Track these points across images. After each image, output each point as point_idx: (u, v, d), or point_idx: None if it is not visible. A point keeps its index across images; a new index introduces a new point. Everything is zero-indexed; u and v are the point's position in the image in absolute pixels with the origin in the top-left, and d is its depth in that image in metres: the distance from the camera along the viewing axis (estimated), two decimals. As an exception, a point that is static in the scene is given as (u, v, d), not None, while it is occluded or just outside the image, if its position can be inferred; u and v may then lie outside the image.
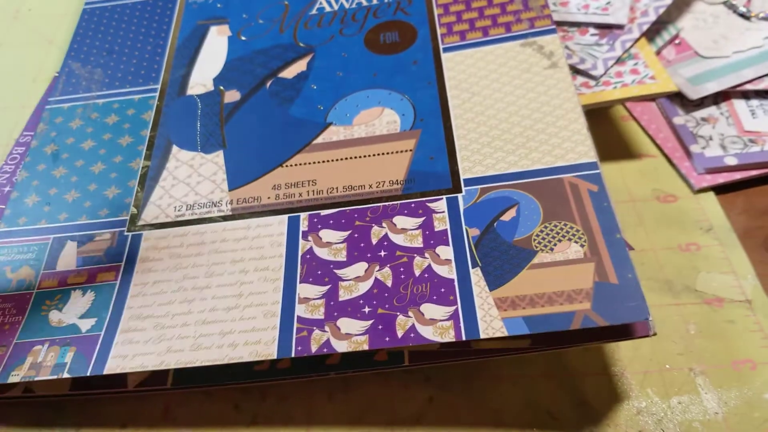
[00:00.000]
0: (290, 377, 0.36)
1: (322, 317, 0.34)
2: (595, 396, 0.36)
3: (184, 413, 0.37)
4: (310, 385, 0.37)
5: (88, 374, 0.34)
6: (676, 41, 0.50)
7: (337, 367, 0.36)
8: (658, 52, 0.49)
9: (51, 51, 0.57)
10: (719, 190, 0.44)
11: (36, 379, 0.34)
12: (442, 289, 0.35)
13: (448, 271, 0.35)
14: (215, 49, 0.49)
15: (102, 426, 0.37)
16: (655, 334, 0.33)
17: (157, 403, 0.37)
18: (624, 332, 0.33)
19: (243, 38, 0.49)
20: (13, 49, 0.58)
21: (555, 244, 0.36)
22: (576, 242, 0.35)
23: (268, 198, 0.40)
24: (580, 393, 0.36)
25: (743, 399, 0.36)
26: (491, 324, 0.33)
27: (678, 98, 0.48)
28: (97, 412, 0.37)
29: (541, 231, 0.36)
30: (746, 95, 0.48)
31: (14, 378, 0.35)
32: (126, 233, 0.40)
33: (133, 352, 0.35)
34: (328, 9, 0.50)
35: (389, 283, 0.35)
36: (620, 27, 0.48)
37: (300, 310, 0.35)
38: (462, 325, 0.33)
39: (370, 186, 0.40)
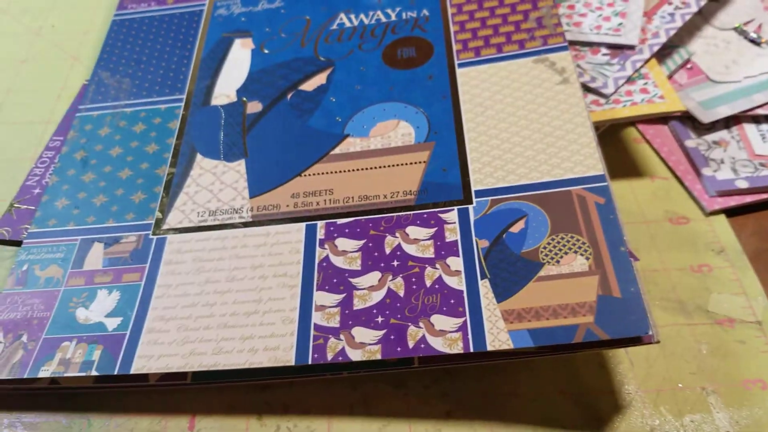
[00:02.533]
0: (304, 375, 0.38)
1: (338, 325, 0.36)
2: (610, 414, 0.38)
3: (209, 425, 0.38)
4: (332, 399, 0.38)
5: (116, 373, 0.36)
6: (688, 66, 0.52)
7: (349, 366, 0.37)
8: (670, 76, 0.50)
9: (75, 67, 0.58)
10: (730, 212, 0.46)
11: (65, 375, 0.36)
12: (452, 301, 0.36)
13: (458, 283, 0.37)
14: (239, 61, 0.51)
15: None
16: (658, 342, 0.34)
17: (182, 416, 0.38)
18: (629, 339, 0.35)
19: (266, 51, 0.51)
20: (37, 66, 0.59)
21: (561, 257, 0.37)
22: (581, 255, 0.37)
23: (287, 206, 0.42)
24: (595, 410, 0.38)
25: (754, 418, 0.37)
26: (498, 336, 0.34)
27: (690, 121, 0.49)
28: (121, 405, 0.39)
29: (549, 243, 0.38)
30: (757, 120, 0.49)
31: (44, 373, 0.37)
32: (151, 236, 0.42)
33: (158, 353, 0.37)
34: (348, 24, 0.52)
35: (401, 293, 0.37)
36: (631, 48, 0.49)
37: (317, 318, 0.36)
38: (470, 337, 0.35)
39: (385, 196, 0.41)
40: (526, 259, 0.37)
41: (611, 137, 0.50)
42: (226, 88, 0.49)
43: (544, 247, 0.37)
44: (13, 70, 0.58)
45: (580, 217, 0.38)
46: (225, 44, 0.52)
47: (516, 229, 0.39)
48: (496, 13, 0.50)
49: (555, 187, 0.40)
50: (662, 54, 0.51)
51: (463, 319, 0.35)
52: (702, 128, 0.50)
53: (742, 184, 0.46)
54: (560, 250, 0.37)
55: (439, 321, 0.35)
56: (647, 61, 0.49)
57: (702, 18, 0.55)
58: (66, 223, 0.43)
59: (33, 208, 0.45)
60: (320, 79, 0.49)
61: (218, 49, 0.52)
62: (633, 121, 0.50)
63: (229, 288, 0.39)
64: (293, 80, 0.49)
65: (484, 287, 0.36)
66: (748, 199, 0.46)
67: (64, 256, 0.41)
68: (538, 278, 0.36)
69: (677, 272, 0.42)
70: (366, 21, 0.52)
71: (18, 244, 0.43)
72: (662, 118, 0.50)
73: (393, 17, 0.52)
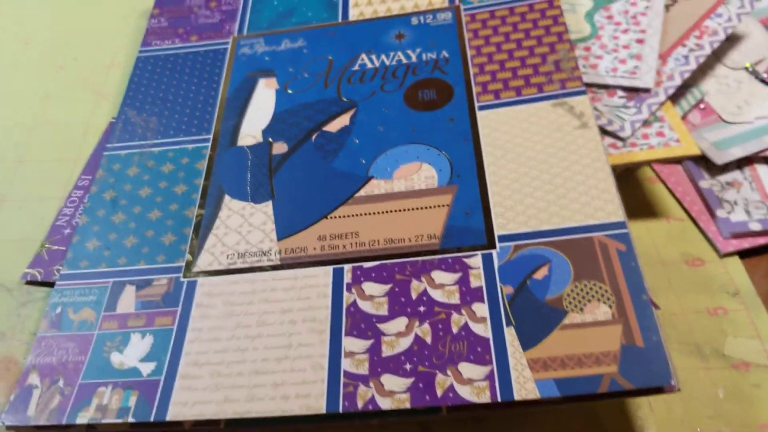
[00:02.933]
0: (334, 422, 0.39)
1: (367, 372, 0.37)
2: (630, 456, 0.39)
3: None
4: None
5: (152, 420, 0.37)
6: (701, 105, 0.53)
7: (379, 414, 0.38)
8: (683, 117, 0.52)
9: (100, 103, 0.59)
10: (744, 253, 0.47)
11: (102, 422, 0.37)
12: (479, 348, 0.37)
13: (484, 330, 0.38)
14: (264, 101, 0.52)
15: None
16: (679, 390, 0.35)
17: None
18: (651, 388, 0.36)
19: (289, 91, 0.52)
20: (60, 101, 0.60)
21: (585, 305, 0.38)
22: (605, 303, 0.38)
23: (314, 249, 0.43)
24: (616, 453, 0.39)
25: (768, 461, 0.38)
26: (524, 385, 0.35)
27: (703, 161, 0.51)
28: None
29: (572, 290, 0.39)
30: (769, 161, 0.51)
31: (81, 419, 0.38)
32: (182, 279, 0.43)
33: (192, 400, 0.38)
34: (369, 65, 0.53)
35: (428, 340, 0.38)
36: (647, 90, 0.50)
37: (346, 364, 0.37)
38: (497, 385, 0.36)
39: (409, 239, 0.43)
40: (551, 306, 0.38)
41: (626, 176, 0.51)
42: (252, 129, 0.50)
43: (568, 294, 0.38)
44: (38, 106, 0.59)
45: (602, 264, 0.39)
46: (250, 84, 0.54)
47: (540, 275, 0.40)
48: (515, 56, 0.51)
49: (576, 233, 0.41)
50: (676, 94, 0.53)
51: (489, 367, 0.36)
52: (715, 169, 0.51)
53: (756, 227, 0.47)
54: (584, 297, 0.38)
55: (467, 369, 0.36)
56: (663, 103, 0.50)
57: (714, 57, 0.56)
58: (98, 264, 0.44)
59: (64, 248, 0.46)
60: (344, 120, 0.50)
61: (243, 89, 0.53)
62: (648, 161, 0.51)
63: (259, 333, 0.40)
64: (317, 121, 0.50)
65: (510, 335, 0.37)
66: (762, 240, 0.47)
67: (97, 298, 0.42)
68: (562, 326, 0.37)
69: (694, 315, 0.43)
70: (387, 62, 0.53)
71: (50, 285, 0.44)
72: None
73: (413, 59, 0.53)
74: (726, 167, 0.50)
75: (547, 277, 0.39)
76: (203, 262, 0.43)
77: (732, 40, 0.57)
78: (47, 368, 0.40)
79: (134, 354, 0.39)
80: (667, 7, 0.57)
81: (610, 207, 0.41)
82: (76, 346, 0.40)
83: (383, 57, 0.53)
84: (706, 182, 0.49)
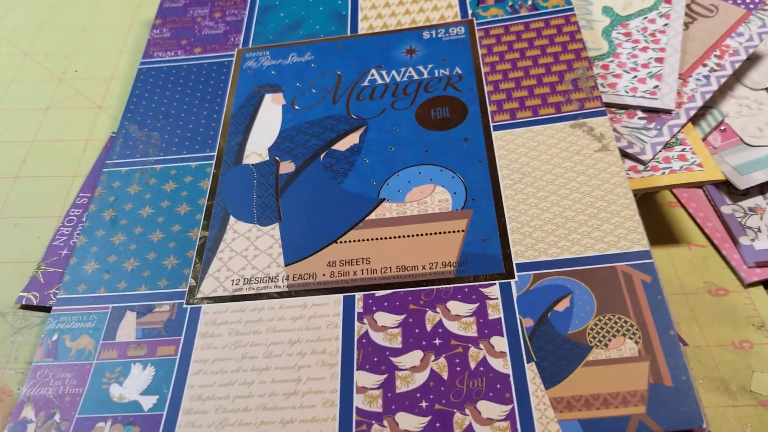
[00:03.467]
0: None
1: (381, 410, 0.35)
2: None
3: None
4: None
5: (154, 459, 0.35)
6: (722, 127, 0.51)
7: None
8: (704, 138, 0.50)
9: (101, 116, 0.58)
10: (769, 283, 0.45)
11: (101, 460, 0.35)
12: (498, 385, 0.35)
13: (504, 366, 0.36)
14: (270, 118, 0.50)
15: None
16: (708, 431, 0.33)
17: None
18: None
19: (297, 107, 0.51)
20: (60, 115, 0.58)
21: (609, 340, 0.36)
22: (630, 338, 0.36)
23: (324, 275, 0.41)
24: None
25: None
26: (548, 427, 0.33)
27: (725, 185, 0.49)
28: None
29: (596, 324, 0.37)
30: (792, 185, 0.49)
31: (79, 456, 0.35)
32: (185, 306, 0.41)
33: (196, 438, 0.36)
34: (379, 81, 0.51)
35: (445, 376, 0.36)
36: (668, 112, 0.49)
37: (358, 401, 0.36)
38: (518, 426, 0.34)
39: (423, 267, 0.41)
40: (574, 341, 0.36)
41: (646, 200, 0.49)
42: (257, 146, 0.48)
43: (591, 329, 0.37)
44: (38, 119, 0.57)
45: (627, 296, 0.37)
46: (255, 99, 0.52)
47: (561, 307, 0.38)
48: (531, 74, 0.49)
49: (599, 262, 0.39)
50: (696, 115, 0.51)
51: (510, 406, 0.34)
52: (737, 193, 0.49)
53: (781, 255, 0.45)
54: (608, 332, 0.36)
55: (486, 408, 0.35)
56: (684, 125, 0.49)
57: (733, 77, 0.55)
58: (96, 288, 0.42)
59: (61, 270, 0.44)
60: (353, 138, 0.48)
61: (249, 104, 0.51)
62: (668, 185, 0.50)
63: (267, 365, 0.38)
64: (325, 139, 0.48)
65: (531, 371, 0.35)
66: (787, 269, 0.45)
67: (96, 325, 0.40)
68: (586, 363, 0.35)
69: (719, 349, 0.42)
70: (398, 78, 0.51)
71: (46, 309, 0.42)
72: (697, 182, 0.49)
73: (425, 75, 0.51)
74: (748, 192, 0.49)
75: (569, 310, 0.38)
76: (207, 287, 0.41)
77: (752, 60, 0.56)
78: (43, 401, 0.38)
79: (135, 386, 0.37)
80: (686, 25, 0.55)
81: (633, 235, 0.40)
82: (74, 377, 0.38)
83: (393, 73, 0.51)
84: (728, 207, 0.48)
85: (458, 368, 0.36)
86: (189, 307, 0.41)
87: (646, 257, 0.38)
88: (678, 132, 0.48)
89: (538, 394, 0.34)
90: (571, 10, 0.52)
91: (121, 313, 0.41)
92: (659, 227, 0.48)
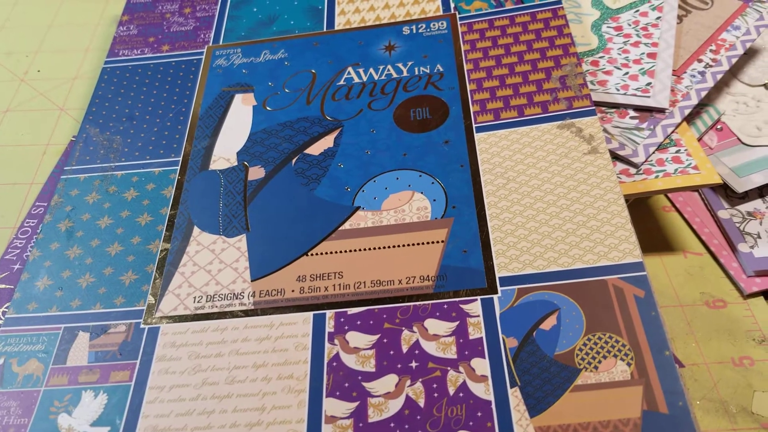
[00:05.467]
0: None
1: (351, 443, 0.32)
2: None
3: None
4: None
5: (100, 502, 0.32)
6: (718, 127, 0.48)
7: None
8: (699, 138, 0.47)
9: (63, 119, 0.54)
10: (770, 293, 0.42)
11: (43, 501, 0.32)
12: (479, 413, 0.32)
13: (485, 391, 0.33)
14: (240, 120, 0.47)
15: None
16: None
17: None
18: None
19: (268, 108, 0.47)
20: (21, 117, 0.55)
21: (599, 361, 0.33)
22: (622, 360, 0.33)
23: (293, 291, 0.38)
24: None
25: None
26: (534, 461, 0.31)
27: (722, 188, 0.46)
28: None
29: (585, 344, 0.34)
30: (793, 187, 0.46)
31: (19, 497, 0.32)
32: (142, 326, 0.38)
33: (147, 477, 0.33)
34: (356, 80, 0.48)
35: (421, 403, 0.33)
36: (662, 110, 0.46)
37: (327, 432, 0.33)
38: (502, 461, 0.31)
39: (400, 281, 0.38)
40: (561, 363, 0.33)
41: (638, 205, 0.46)
42: (225, 151, 0.45)
43: (580, 349, 0.34)
44: (-5, 121, 0.54)
45: (618, 313, 0.35)
46: (225, 100, 0.49)
47: (547, 325, 0.35)
48: (516, 71, 0.46)
49: (588, 275, 0.36)
50: (690, 113, 0.48)
51: (492, 436, 0.31)
52: (735, 196, 0.46)
53: (782, 263, 0.42)
54: (598, 353, 0.34)
55: (466, 439, 0.32)
56: (678, 125, 0.46)
57: (730, 73, 0.52)
58: (48, 307, 0.39)
59: (12, 287, 0.41)
60: (327, 141, 0.45)
61: (217, 105, 0.48)
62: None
63: (228, 392, 0.35)
64: (298, 143, 0.45)
65: (515, 397, 0.33)
66: (789, 279, 0.42)
67: (46, 348, 0.37)
68: (574, 387, 0.33)
69: (717, 366, 0.39)
70: (376, 76, 0.48)
71: (-6, 330, 0.39)
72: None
73: (405, 72, 0.48)
74: (746, 195, 0.46)
75: (556, 328, 0.35)
76: (167, 305, 0.38)
77: (750, 55, 0.53)
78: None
79: (85, 416, 0.34)
80: (680, 18, 0.52)
81: (625, 246, 0.37)
82: (19, 406, 0.35)
83: (371, 71, 0.48)
84: (725, 212, 0.45)
85: (436, 394, 0.33)
86: (147, 327, 0.38)
87: (639, 269, 0.36)
88: (672, 132, 0.45)
89: (522, 423, 0.32)
90: (559, 2, 0.49)
91: (74, 334, 0.38)
92: (652, 234, 0.45)
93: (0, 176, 0.50)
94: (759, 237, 0.44)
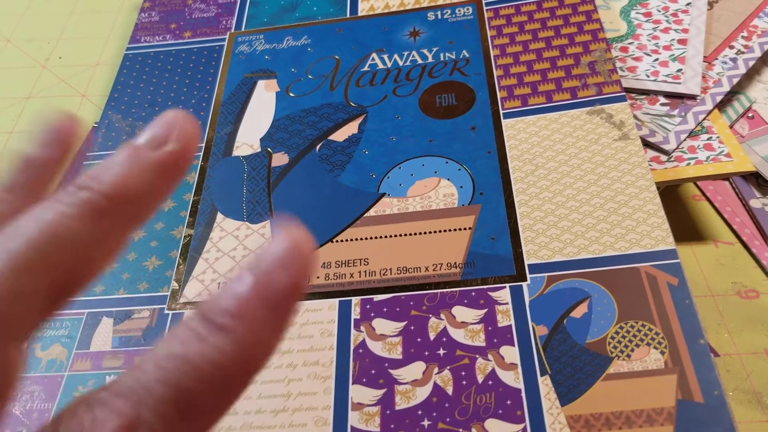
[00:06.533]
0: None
1: (378, 429, 0.32)
2: None
3: None
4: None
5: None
6: (749, 114, 0.47)
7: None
8: (730, 126, 0.46)
9: (85, 105, 0.54)
10: (803, 283, 0.41)
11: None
12: (508, 401, 0.32)
13: (514, 379, 0.32)
14: (263, 106, 0.47)
15: None
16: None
17: None
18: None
19: (291, 95, 0.47)
20: (43, 103, 0.55)
21: (632, 350, 0.33)
22: (656, 348, 0.32)
23: (318, 278, 0.38)
24: None
25: None
26: (566, 450, 0.30)
27: (753, 177, 0.45)
28: None
29: (617, 333, 0.33)
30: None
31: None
32: (166, 311, 0.37)
33: (173, 462, 0.32)
34: (381, 66, 0.47)
35: (450, 391, 0.32)
36: (693, 97, 0.45)
37: (353, 419, 0.32)
38: (533, 449, 0.30)
39: (426, 269, 0.37)
40: (592, 351, 0.33)
41: (668, 194, 0.45)
42: (248, 137, 0.45)
43: (612, 337, 0.33)
44: (17, 108, 0.54)
45: (651, 301, 0.34)
46: (247, 86, 0.48)
47: (578, 313, 0.34)
48: (544, 57, 0.46)
49: (620, 263, 0.35)
50: (721, 101, 0.47)
51: (522, 425, 0.31)
52: (767, 185, 0.45)
53: (817, 253, 0.41)
54: (630, 341, 0.33)
55: (495, 427, 0.31)
56: (710, 112, 0.45)
57: (761, 61, 0.51)
58: (72, 292, 0.39)
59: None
60: (351, 128, 0.44)
61: (240, 92, 0.48)
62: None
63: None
64: (322, 129, 0.45)
65: (545, 385, 0.32)
66: (823, 268, 0.41)
67: (69, 333, 0.37)
68: (606, 376, 0.32)
69: (750, 357, 0.38)
70: (400, 62, 0.47)
71: (18, 315, 0.39)
72: (723, 173, 0.46)
73: (430, 58, 0.47)
74: (779, 184, 0.45)
75: (587, 316, 0.34)
76: (191, 291, 0.38)
77: (782, 41, 0.51)
78: (9, 417, 0.34)
79: (109, 401, 0.34)
80: (710, 4, 0.51)
81: (657, 233, 0.36)
82: (43, 391, 0.35)
83: (396, 57, 0.48)
84: (757, 201, 0.44)
85: (464, 382, 0.32)
86: (170, 312, 0.37)
87: (672, 257, 0.35)
88: (704, 119, 0.44)
89: (552, 411, 0.31)
90: (587, -13, 0.48)
91: (97, 319, 0.37)
92: (683, 223, 0.44)
93: (23, 162, 0.49)
94: (793, 226, 0.43)
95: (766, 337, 0.39)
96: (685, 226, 0.44)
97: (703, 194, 0.46)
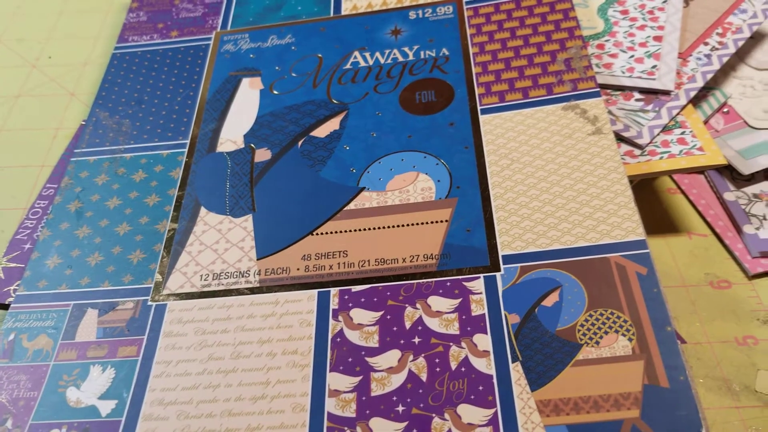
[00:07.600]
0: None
1: (354, 415, 0.33)
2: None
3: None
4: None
5: (107, 470, 0.33)
6: (725, 110, 0.48)
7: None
8: (705, 121, 0.47)
9: (73, 104, 0.55)
10: (775, 275, 0.42)
11: (52, 470, 0.33)
12: (480, 387, 0.33)
13: (487, 366, 0.33)
14: (247, 103, 0.48)
15: None
16: (707, 434, 0.30)
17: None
18: None
19: (275, 92, 0.48)
20: (31, 102, 0.56)
21: (601, 337, 0.34)
22: (624, 335, 0.33)
23: (297, 269, 0.39)
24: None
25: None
26: (533, 432, 0.31)
27: (728, 171, 0.46)
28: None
29: (586, 320, 0.34)
30: (800, 169, 0.46)
31: (29, 466, 0.33)
32: (150, 303, 0.38)
33: (154, 447, 0.33)
34: (362, 64, 0.48)
35: (424, 377, 0.33)
36: (667, 93, 0.46)
37: (330, 405, 0.33)
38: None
39: (404, 260, 0.38)
40: (562, 338, 0.34)
41: (643, 186, 0.46)
42: (232, 133, 0.46)
43: (582, 325, 0.34)
44: (7, 106, 0.55)
45: (620, 289, 0.35)
46: (232, 84, 0.49)
47: (549, 302, 0.35)
48: (521, 54, 0.47)
49: (591, 253, 0.36)
50: (696, 97, 0.48)
51: (493, 410, 0.32)
52: (741, 179, 0.46)
53: (788, 244, 0.42)
54: (599, 328, 0.34)
55: (467, 412, 0.32)
56: (684, 107, 0.46)
57: (736, 57, 0.52)
58: (58, 285, 0.40)
59: (23, 266, 0.42)
60: (333, 124, 0.45)
61: (225, 89, 0.49)
62: (667, 171, 0.47)
63: (234, 367, 0.35)
64: (304, 125, 0.46)
65: (516, 372, 0.33)
66: (794, 260, 0.42)
67: (55, 324, 0.38)
68: (576, 362, 0.33)
69: (720, 345, 0.39)
70: (382, 60, 0.48)
71: (5, 307, 0.40)
72: (698, 167, 0.47)
73: (411, 56, 0.48)
74: (752, 177, 0.46)
75: (558, 304, 0.35)
76: (174, 283, 0.39)
77: (756, 38, 0.52)
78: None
79: (93, 390, 0.35)
80: (686, 2, 0.52)
81: (628, 224, 0.37)
82: (29, 380, 0.36)
83: (378, 55, 0.49)
84: (731, 194, 0.45)
85: (438, 369, 0.33)
86: (154, 304, 0.38)
87: (641, 247, 0.36)
88: (677, 114, 0.45)
89: (523, 396, 0.32)
90: (565, -14, 0.49)
91: (83, 310, 0.38)
92: (658, 215, 0.45)
93: (12, 159, 0.50)
94: (765, 218, 0.44)
95: (737, 326, 0.40)
96: (660, 219, 0.45)
97: (678, 187, 0.47)
